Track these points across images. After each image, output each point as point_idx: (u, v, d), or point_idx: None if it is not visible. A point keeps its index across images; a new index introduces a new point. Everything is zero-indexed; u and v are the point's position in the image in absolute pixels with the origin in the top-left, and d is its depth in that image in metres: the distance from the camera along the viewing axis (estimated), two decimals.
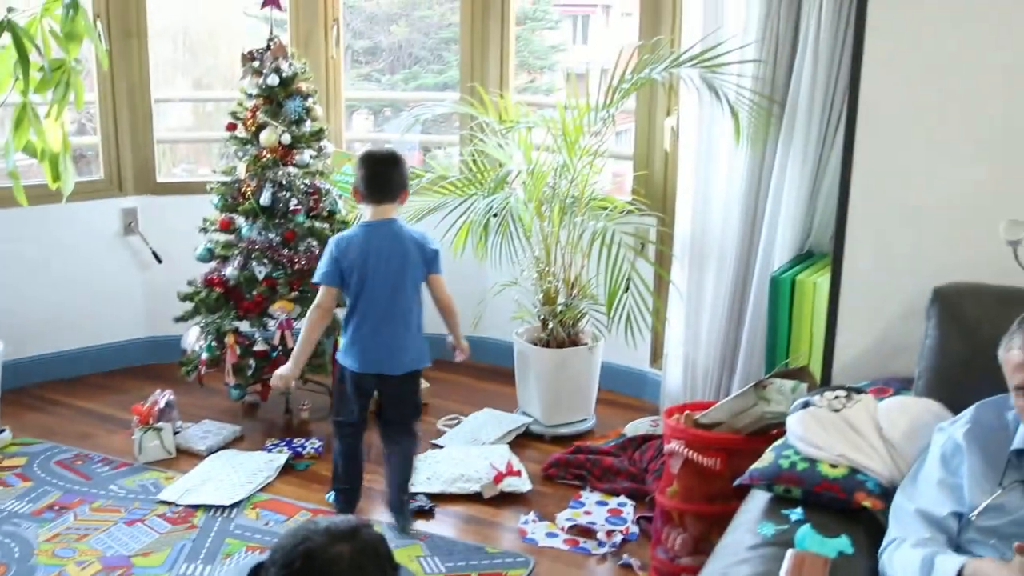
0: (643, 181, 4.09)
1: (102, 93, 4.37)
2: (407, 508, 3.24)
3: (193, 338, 3.98)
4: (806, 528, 1.99)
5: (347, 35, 4.89)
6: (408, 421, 3.29)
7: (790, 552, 1.88)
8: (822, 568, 1.84)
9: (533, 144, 3.94)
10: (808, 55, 3.24)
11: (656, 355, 4.18)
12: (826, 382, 2.70)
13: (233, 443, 3.84)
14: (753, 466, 2.26)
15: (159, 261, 4.48)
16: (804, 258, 3.36)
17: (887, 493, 2.13)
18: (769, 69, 3.36)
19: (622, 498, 3.41)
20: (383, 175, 3.14)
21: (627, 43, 3.93)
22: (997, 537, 1.85)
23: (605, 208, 3.86)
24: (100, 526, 3.22)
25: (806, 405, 2.31)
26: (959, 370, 2.31)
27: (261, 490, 3.46)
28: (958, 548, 1.89)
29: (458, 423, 4.03)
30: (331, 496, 3.37)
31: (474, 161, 4.04)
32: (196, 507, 3.33)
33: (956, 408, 2.18)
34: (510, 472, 3.50)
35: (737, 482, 2.26)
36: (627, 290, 3.52)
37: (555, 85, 3.96)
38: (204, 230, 3.96)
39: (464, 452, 3.69)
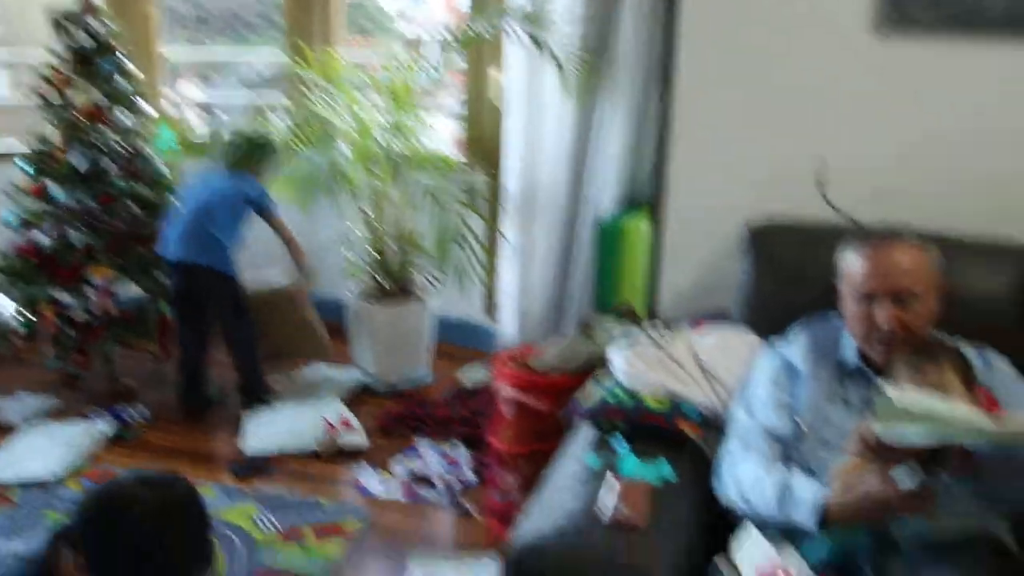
0: (474, 138, 4.09)
1: None
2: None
3: (6, 310, 3.77)
4: (631, 457, 2.05)
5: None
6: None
7: (610, 477, 1.94)
8: (647, 494, 1.90)
9: (363, 103, 3.88)
10: (628, 9, 3.30)
11: (490, 306, 4.22)
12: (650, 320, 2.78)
13: (53, 415, 3.67)
14: (580, 401, 2.30)
15: None
16: (631, 206, 3.44)
17: (708, 422, 2.21)
18: (595, 25, 3.40)
19: (458, 446, 3.44)
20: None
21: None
22: (827, 450, 1.93)
23: (437, 166, 3.85)
24: None
25: (629, 342, 2.37)
26: (770, 301, 2.41)
27: (89, 461, 3.32)
28: (788, 459, 1.96)
29: (292, 381, 3.96)
30: None
31: (305, 120, 3.95)
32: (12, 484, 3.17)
33: (767, 335, 2.28)
34: (345, 426, 3.46)
35: (563, 414, 2.31)
36: (459, 244, 3.52)
37: (392, 51, 3.91)
38: (10, 196, 3.74)
39: (298, 410, 3.63)
